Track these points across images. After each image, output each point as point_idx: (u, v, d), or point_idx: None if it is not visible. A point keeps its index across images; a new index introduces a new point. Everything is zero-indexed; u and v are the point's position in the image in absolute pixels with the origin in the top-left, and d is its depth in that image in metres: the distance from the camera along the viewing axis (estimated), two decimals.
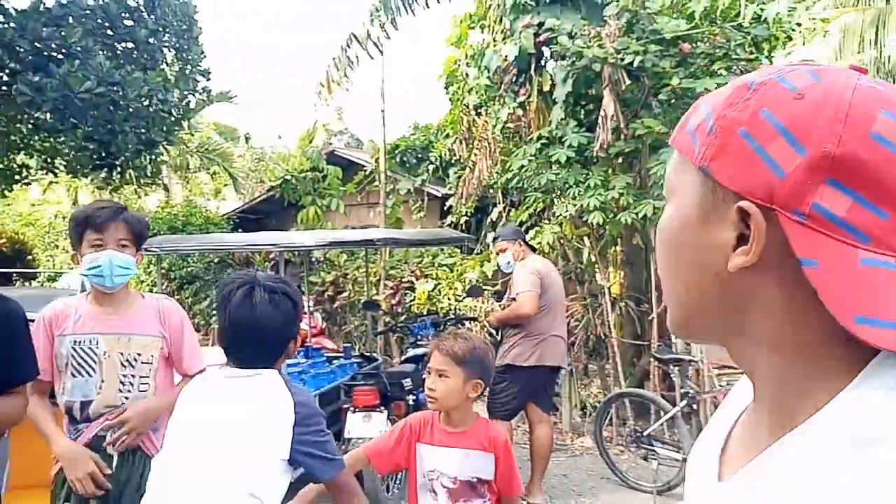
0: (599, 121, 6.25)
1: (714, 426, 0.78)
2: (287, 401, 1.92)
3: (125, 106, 9.70)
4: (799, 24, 6.77)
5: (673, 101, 6.03)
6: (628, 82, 6.18)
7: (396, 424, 2.62)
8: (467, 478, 2.43)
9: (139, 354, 2.54)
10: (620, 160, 6.66)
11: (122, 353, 2.51)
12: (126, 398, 2.51)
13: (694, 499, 0.73)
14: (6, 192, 12.62)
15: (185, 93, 11.76)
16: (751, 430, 0.68)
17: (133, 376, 2.53)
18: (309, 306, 8.49)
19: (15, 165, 11.77)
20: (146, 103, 10.09)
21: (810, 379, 0.59)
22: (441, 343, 2.49)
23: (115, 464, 2.49)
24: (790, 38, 6.74)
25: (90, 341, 2.49)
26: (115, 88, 9.59)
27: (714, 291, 0.63)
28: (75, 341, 2.49)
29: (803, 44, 6.95)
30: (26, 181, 12.30)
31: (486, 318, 6.88)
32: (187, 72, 11.82)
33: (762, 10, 6.37)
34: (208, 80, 12.55)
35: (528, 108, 7.23)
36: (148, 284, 14.09)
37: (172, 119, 10.96)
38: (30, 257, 16.26)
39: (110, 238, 2.47)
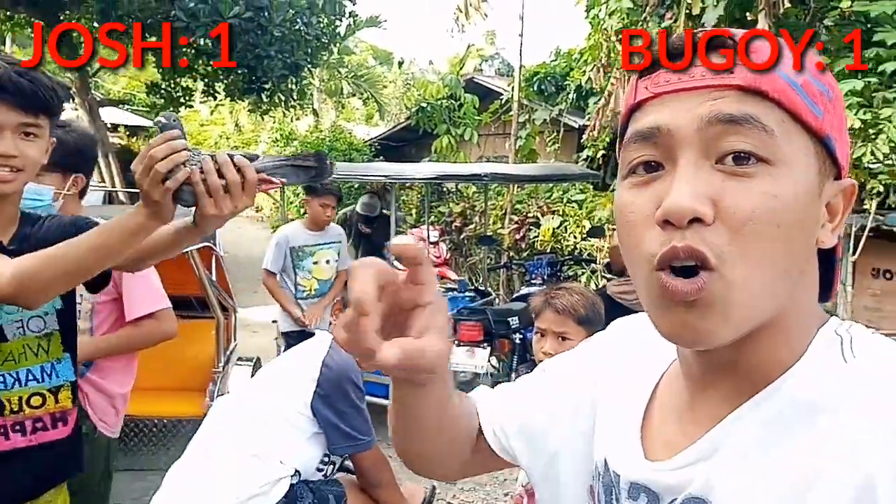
0: None
1: (602, 398, 0.74)
2: (317, 357, 1.89)
3: (271, 31, 10.01)
4: None
5: (841, 27, 5.20)
6: (788, 5, 5.40)
7: None
8: None
9: None
10: None
11: None
12: None
13: (614, 475, 0.67)
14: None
15: (332, 17, 11.93)
16: (691, 405, 0.64)
17: None
18: (434, 236, 8.55)
19: (180, 88, 12.62)
20: (293, 28, 10.36)
21: (790, 349, 0.58)
22: (554, 299, 2.16)
23: None
24: None
25: None
26: (262, 13, 9.90)
27: (801, 273, 0.58)
28: None
29: None
30: (190, 104, 13.17)
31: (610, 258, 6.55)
32: None
33: None
34: (355, 4, 12.65)
35: (673, 33, 6.57)
36: (296, 206, 14.88)
37: (318, 43, 11.20)
38: None
39: None
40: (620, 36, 7.35)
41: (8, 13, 11.12)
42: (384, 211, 7.51)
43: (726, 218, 0.54)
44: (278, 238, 4.36)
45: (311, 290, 4.33)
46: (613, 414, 0.71)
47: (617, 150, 0.64)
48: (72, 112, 12.21)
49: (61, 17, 10.86)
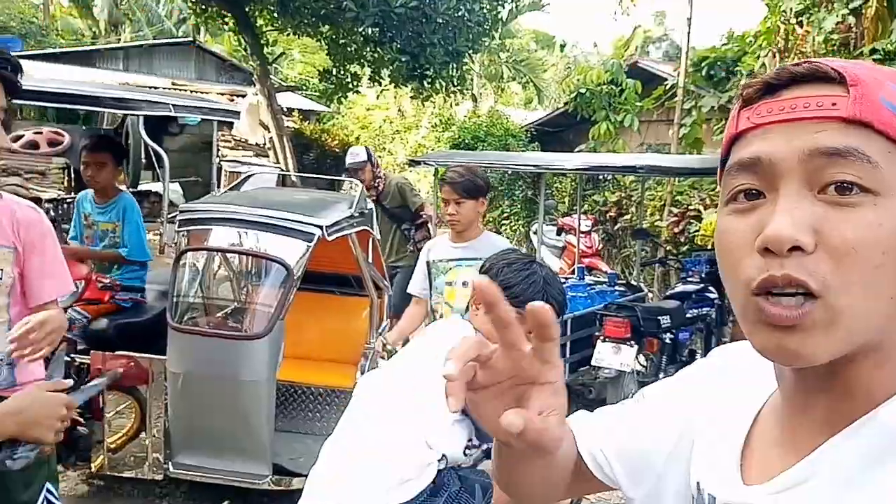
0: None
1: (707, 420, 0.74)
2: None
3: (434, 19, 10.25)
4: None
5: None
6: None
7: None
8: None
9: None
10: None
11: None
12: None
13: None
14: (342, 99, 14.40)
15: (494, 3, 12.01)
16: (788, 431, 0.64)
17: None
18: (587, 225, 8.41)
19: (349, 75, 13.29)
20: (456, 15, 10.55)
21: (893, 376, 0.58)
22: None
23: None
24: None
25: None
26: (427, 2, 10.17)
27: None
28: None
29: None
30: (357, 90, 13.82)
31: None
32: None
33: None
34: None
35: (863, 14, 5.99)
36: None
37: (479, 29, 11.33)
38: None
39: None
40: (800, 19, 6.80)
41: (202, 7, 12.24)
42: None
43: (829, 247, 0.54)
44: (425, 248, 3.56)
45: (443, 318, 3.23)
46: (713, 439, 0.72)
47: (718, 177, 0.66)
48: (252, 97, 13.25)
49: (247, 10, 11.79)
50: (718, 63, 10.53)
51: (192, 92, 12.68)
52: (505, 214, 12.81)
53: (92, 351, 3.46)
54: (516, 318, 1.95)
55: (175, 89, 13.41)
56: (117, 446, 3.75)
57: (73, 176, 9.40)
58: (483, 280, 0.58)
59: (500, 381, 0.61)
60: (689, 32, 8.77)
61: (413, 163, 6.16)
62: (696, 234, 7.98)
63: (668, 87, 10.35)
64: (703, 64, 10.53)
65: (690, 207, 8.37)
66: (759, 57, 8.07)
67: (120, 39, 23.83)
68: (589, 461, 0.84)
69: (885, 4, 5.76)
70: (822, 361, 0.56)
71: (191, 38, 20.53)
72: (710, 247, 7.46)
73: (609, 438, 0.84)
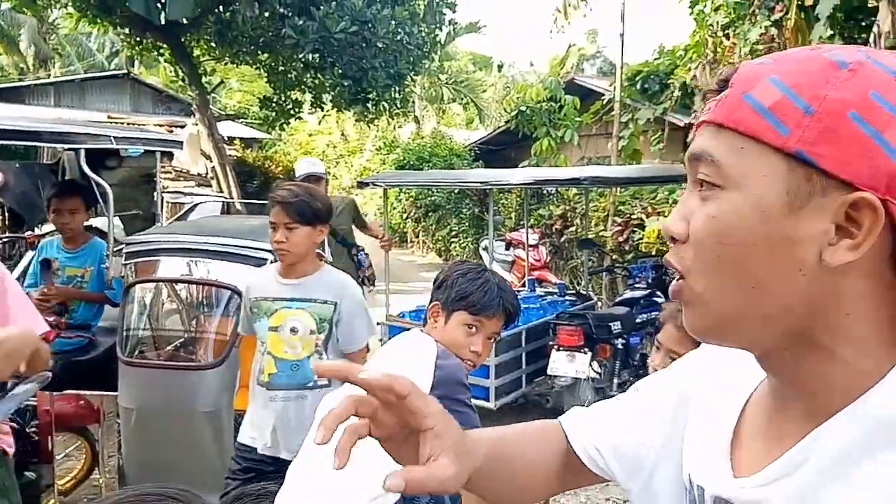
0: (871, 39, 5.23)
1: (697, 411, 0.76)
2: (428, 359, 1.95)
3: (374, 43, 10.34)
4: None
5: None
6: None
7: None
8: None
9: None
10: None
11: None
12: None
13: (700, 491, 0.69)
14: (284, 126, 14.33)
15: (432, 26, 12.18)
16: (773, 423, 0.66)
17: None
18: (534, 239, 8.55)
19: (290, 101, 13.25)
20: (396, 39, 10.66)
21: (868, 376, 0.58)
22: (680, 314, 2.08)
23: None
24: None
25: None
26: (367, 26, 10.25)
27: (795, 291, 0.58)
28: None
29: None
30: (299, 116, 13.78)
31: None
32: (434, 5, 12.20)
33: None
34: (454, 12, 12.87)
35: (784, 26, 6.28)
36: (399, 212, 15.26)
37: (419, 52, 11.47)
38: None
39: None
40: (727, 32, 7.11)
41: (137, 38, 12.05)
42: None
43: (691, 237, 0.62)
44: (244, 283, 2.85)
45: (265, 375, 2.61)
46: (703, 431, 0.74)
47: None
48: (192, 127, 13.07)
49: (183, 40, 11.66)
50: (652, 77, 10.92)
51: (129, 124, 12.42)
52: (454, 232, 12.91)
53: (38, 391, 3.34)
54: (475, 327, 1.96)
55: (112, 122, 13.11)
56: (67, 489, 3.62)
57: (6, 215, 9.07)
58: (320, 364, 0.67)
59: (398, 431, 0.68)
60: (622, 48, 9.06)
61: (361, 184, 6.18)
62: (640, 241, 8.19)
63: (605, 101, 10.65)
64: (637, 78, 10.89)
65: (633, 216, 8.59)
66: (689, 69, 8.39)
67: (49, 75, 23.22)
68: (584, 457, 0.86)
69: (804, 16, 6.06)
70: (699, 333, 0.65)
71: (125, 71, 20.15)
72: (654, 253, 7.67)
73: (603, 434, 0.86)
